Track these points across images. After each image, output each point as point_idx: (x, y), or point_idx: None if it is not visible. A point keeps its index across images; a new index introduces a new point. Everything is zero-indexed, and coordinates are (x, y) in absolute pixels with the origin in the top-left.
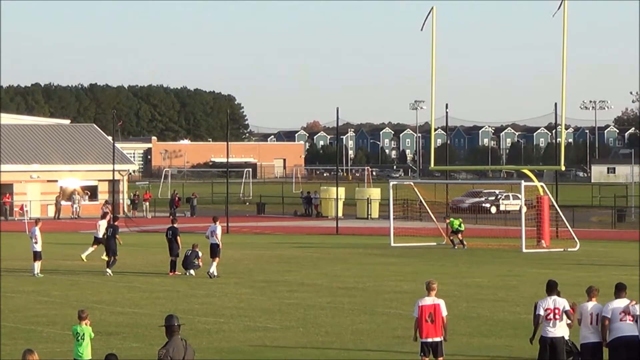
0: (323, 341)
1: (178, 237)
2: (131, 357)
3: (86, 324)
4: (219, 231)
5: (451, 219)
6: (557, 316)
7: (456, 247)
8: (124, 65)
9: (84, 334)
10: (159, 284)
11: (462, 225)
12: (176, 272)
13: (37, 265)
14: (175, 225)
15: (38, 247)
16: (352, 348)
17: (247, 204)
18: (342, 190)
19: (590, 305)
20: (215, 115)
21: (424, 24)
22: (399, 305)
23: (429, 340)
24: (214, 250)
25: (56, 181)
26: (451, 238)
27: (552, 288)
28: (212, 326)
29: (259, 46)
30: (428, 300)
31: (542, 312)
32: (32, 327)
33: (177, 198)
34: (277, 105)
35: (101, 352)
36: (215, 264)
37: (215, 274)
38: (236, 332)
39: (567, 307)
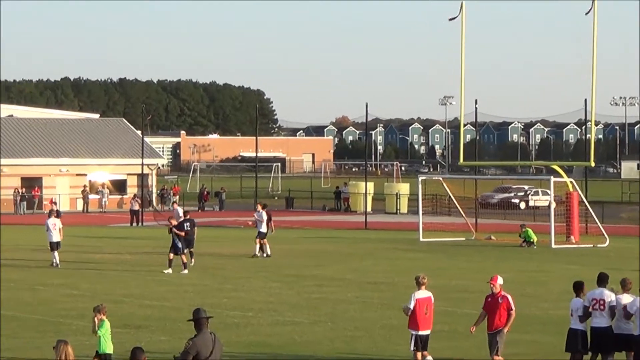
0: (352, 336)
1: (195, 229)
2: (159, 350)
3: (103, 318)
4: None
5: (527, 230)
6: (601, 307)
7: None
8: (153, 60)
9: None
10: (187, 277)
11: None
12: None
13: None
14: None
15: (55, 237)
16: (381, 343)
17: (276, 198)
18: (371, 185)
19: (625, 297)
20: (244, 110)
21: (455, 18)
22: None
23: (423, 332)
24: None
25: (85, 175)
26: (523, 244)
27: (601, 280)
28: (241, 320)
29: (289, 41)
30: (424, 294)
31: (588, 304)
32: (61, 319)
33: (205, 192)
34: (306, 100)
35: (129, 344)
36: None
37: None
38: (265, 326)
39: (613, 300)
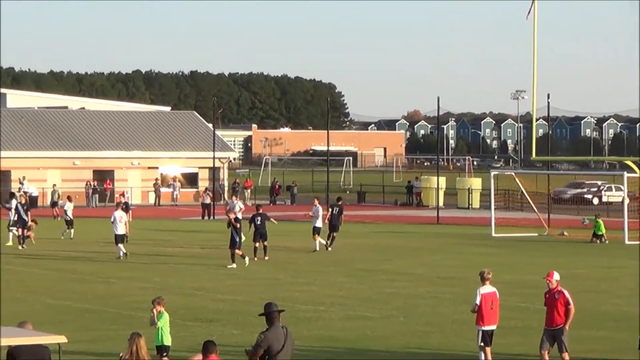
0: (424, 331)
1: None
2: (231, 344)
3: (162, 310)
4: None
5: (599, 222)
6: None
7: (600, 242)
8: (224, 53)
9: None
10: (258, 271)
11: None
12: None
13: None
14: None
15: (121, 230)
16: (453, 338)
17: (348, 192)
18: (443, 180)
19: None
20: (315, 104)
21: (528, 13)
22: (499, 296)
23: (489, 328)
24: None
25: (157, 168)
26: (593, 240)
27: None
28: (312, 314)
29: (360, 35)
30: (489, 289)
31: None
32: (133, 312)
33: (277, 186)
34: (378, 94)
35: (201, 338)
36: None
37: None
38: (336, 321)
39: None
